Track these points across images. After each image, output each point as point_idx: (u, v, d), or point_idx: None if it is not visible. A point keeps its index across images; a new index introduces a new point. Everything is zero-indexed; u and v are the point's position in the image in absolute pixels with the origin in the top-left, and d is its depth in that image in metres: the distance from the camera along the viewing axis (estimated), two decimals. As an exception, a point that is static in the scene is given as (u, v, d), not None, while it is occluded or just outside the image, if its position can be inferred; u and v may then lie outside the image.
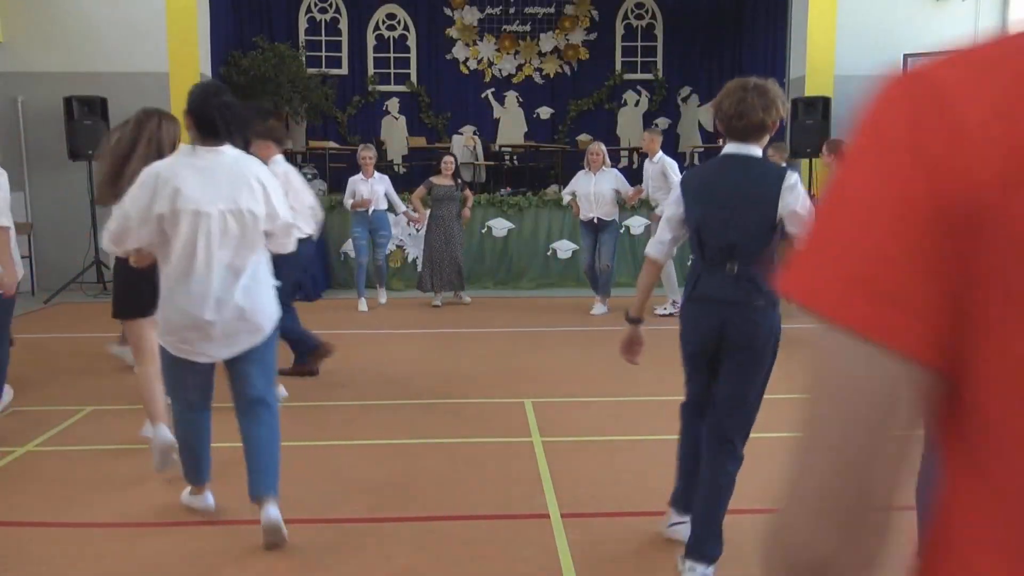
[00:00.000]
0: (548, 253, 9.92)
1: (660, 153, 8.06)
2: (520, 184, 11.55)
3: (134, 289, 3.82)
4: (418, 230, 9.66)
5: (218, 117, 3.02)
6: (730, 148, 2.80)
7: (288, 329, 5.33)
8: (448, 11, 13.36)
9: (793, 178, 2.74)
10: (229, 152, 3.08)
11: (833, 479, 0.58)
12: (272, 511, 3.06)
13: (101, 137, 8.72)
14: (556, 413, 4.82)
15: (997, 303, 0.52)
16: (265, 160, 5.53)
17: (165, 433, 3.71)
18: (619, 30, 13.65)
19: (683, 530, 3.00)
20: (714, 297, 2.79)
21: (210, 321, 3.02)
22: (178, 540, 3.24)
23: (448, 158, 8.67)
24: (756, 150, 2.79)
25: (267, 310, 3.15)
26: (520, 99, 13.59)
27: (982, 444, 0.56)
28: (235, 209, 3.01)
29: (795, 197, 2.68)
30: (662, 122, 13.46)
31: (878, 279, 0.55)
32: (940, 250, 0.53)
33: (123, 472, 3.94)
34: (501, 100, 13.57)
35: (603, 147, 8.37)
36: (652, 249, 3.00)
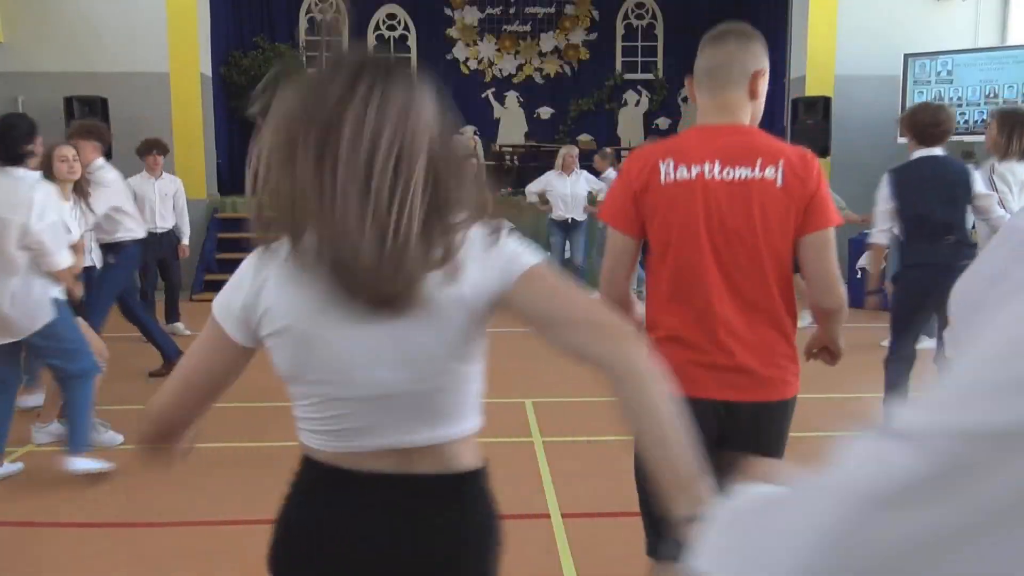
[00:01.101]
0: (548, 253, 9.93)
1: (609, 169, 8.69)
2: (520, 184, 11.52)
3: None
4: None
5: None
6: (924, 152, 3.87)
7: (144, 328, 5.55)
8: (448, 11, 13.35)
9: (976, 171, 4.02)
10: (14, 172, 3.62)
11: (607, 272, 2.05)
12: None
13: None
14: (556, 413, 4.81)
15: (649, 221, 1.97)
16: (89, 163, 5.19)
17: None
18: (619, 30, 13.65)
19: None
20: (935, 262, 3.76)
21: None
22: (178, 540, 3.24)
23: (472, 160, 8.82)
24: (942, 151, 3.91)
25: (29, 312, 3.63)
26: (520, 99, 13.58)
27: (656, 264, 2.00)
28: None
29: (980, 183, 3.96)
30: (662, 122, 13.45)
31: (616, 209, 2.01)
32: (634, 203, 1.96)
33: (123, 472, 3.94)
34: (501, 100, 13.57)
35: (577, 150, 8.98)
36: (879, 238, 4.08)
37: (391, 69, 1.21)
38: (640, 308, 2.10)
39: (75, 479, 3.85)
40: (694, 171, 1.89)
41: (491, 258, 1.20)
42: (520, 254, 1.22)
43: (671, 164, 1.90)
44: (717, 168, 1.88)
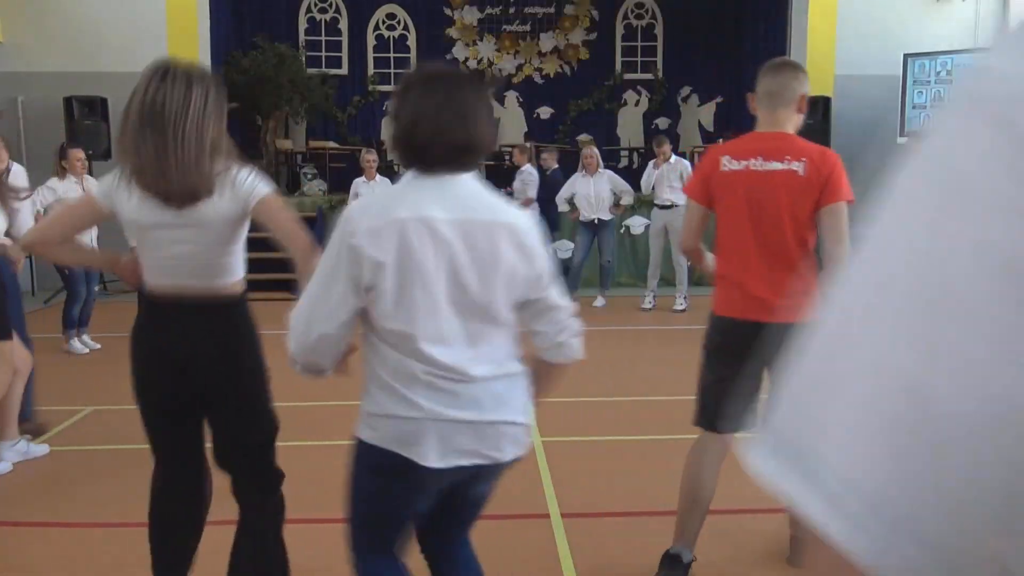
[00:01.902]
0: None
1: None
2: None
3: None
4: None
5: None
6: None
7: None
8: (448, 11, 13.36)
9: None
10: None
11: None
12: None
13: (101, 137, 8.76)
14: (556, 413, 4.81)
15: (716, 200, 2.75)
16: None
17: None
18: (619, 30, 13.65)
19: None
20: None
21: None
22: (178, 540, 3.24)
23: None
24: None
25: None
26: (520, 99, 13.59)
27: (719, 229, 2.80)
28: None
29: None
30: (662, 122, 13.45)
31: (694, 187, 2.82)
32: (705, 184, 2.76)
33: (123, 472, 3.95)
34: (501, 100, 13.56)
35: (596, 149, 8.67)
36: None
37: (191, 73, 2.16)
38: (710, 258, 2.87)
39: (74, 479, 3.85)
40: (743, 164, 2.65)
41: (236, 188, 2.15)
42: (255, 186, 2.18)
43: (728, 159, 2.69)
44: (760, 162, 2.63)
